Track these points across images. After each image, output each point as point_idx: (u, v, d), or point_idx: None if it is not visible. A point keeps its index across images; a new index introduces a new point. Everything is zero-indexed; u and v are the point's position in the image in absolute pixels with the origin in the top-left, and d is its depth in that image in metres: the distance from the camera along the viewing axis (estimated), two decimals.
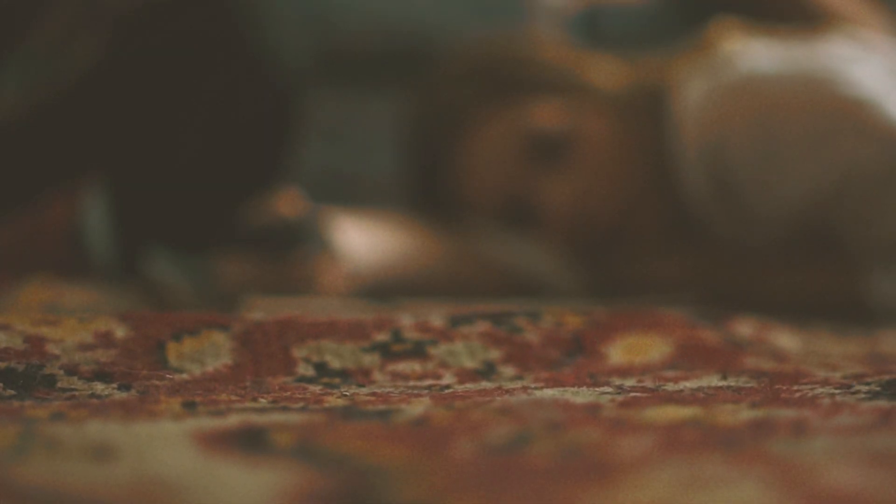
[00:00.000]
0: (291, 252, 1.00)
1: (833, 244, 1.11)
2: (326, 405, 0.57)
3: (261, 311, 0.75)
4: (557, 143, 1.18)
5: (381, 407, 0.56)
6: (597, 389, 0.61)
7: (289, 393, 0.61)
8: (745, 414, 0.53)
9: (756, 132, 1.08)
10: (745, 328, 0.80)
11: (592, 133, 1.19)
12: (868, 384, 0.61)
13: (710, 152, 1.11)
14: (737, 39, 1.18)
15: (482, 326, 0.71)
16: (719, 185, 1.13)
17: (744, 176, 1.10)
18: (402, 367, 0.67)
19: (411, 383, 0.65)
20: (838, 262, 1.11)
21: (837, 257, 1.11)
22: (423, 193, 1.30)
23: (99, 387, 0.60)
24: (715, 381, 0.64)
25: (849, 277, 1.08)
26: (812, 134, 1.06)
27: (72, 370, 0.61)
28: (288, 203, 1.00)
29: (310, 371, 0.66)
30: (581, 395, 0.59)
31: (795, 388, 0.61)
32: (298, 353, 0.67)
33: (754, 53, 1.14)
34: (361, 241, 1.15)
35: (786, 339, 0.80)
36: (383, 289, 1.08)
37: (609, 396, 0.59)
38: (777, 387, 0.61)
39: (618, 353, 0.72)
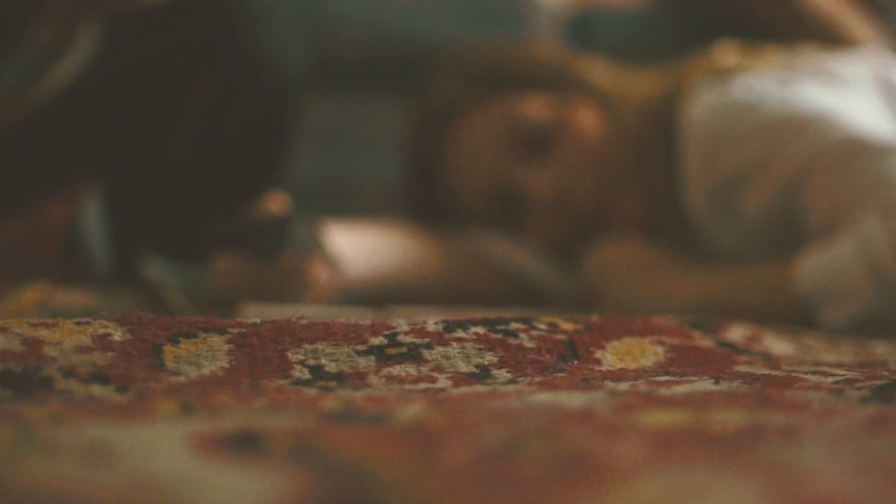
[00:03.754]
0: (281, 249, 1.00)
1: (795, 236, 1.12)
2: (322, 408, 0.57)
3: (256, 315, 0.75)
4: (543, 135, 1.23)
5: (377, 410, 0.56)
6: (590, 394, 0.62)
7: (285, 396, 0.61)
8: (738, 420, 0.53)
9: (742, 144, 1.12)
10: (737, 334, 0.80)
11: (576, 125, 1.23)
12: (859, 389, 0.61)
13: (708, 159, 1.15)
14: (734, 58, 1.22)
15: (477, 331, 0.71)
16: (716, 189, 1.15)
17: (736, 175, 1.13)
18: (398, 370, 0.67)
19: (406, 387, 0.65)
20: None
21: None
22: (417, 190, 1.33)
23: (96, 389, 0.61)
24: (707, 386, 0.64)
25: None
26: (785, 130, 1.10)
27: (69, 372, 0.61)
28: (275, 202, 1.01)
29: (306, 374, 0.66)
30: (575, 400, 0.60)
31: (787, 393, 0.61)
32: (294, 356, 0.67)
33: (746, 82, 1.18)
34: (357, 248, 1.15)
35: (778, 346, 0.81)
36: (379, 296, 1.09)
37: (602, 401, 0.59)
38: (769, 392, 0.61)
39: (611, 358, 0.72)
